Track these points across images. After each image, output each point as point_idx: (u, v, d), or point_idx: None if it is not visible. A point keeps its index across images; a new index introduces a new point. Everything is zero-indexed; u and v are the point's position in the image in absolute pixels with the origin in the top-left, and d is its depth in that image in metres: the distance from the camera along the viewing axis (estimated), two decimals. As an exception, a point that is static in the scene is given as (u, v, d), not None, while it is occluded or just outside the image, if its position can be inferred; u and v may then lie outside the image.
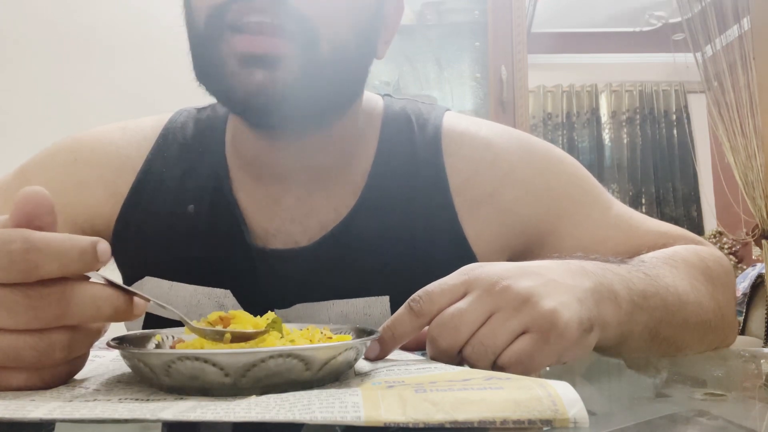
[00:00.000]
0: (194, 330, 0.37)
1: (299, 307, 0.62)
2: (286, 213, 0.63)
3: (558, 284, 0.43)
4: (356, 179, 0.64)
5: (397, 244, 0.62)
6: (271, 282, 0.62)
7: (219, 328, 0.38)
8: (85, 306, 0.33)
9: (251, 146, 0.63)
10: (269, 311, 0.42)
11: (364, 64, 0.60)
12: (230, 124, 0.67)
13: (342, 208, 0.63)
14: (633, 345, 0.51)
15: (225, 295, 0.63)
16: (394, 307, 0.50)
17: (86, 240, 0.33)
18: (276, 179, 0.63)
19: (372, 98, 0.69)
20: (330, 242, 0.62)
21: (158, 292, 0.63)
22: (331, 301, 0.62)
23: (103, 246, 0.33)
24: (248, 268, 0.62)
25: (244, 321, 0.39)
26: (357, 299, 0.62)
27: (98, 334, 0.36)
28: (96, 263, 0.33)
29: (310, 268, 0.62)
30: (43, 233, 0.32)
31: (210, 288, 0.63)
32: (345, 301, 0.62)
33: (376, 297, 0.61)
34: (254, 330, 0.37)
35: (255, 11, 0.51)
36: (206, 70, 0.55)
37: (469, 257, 0.62)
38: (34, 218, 0.33)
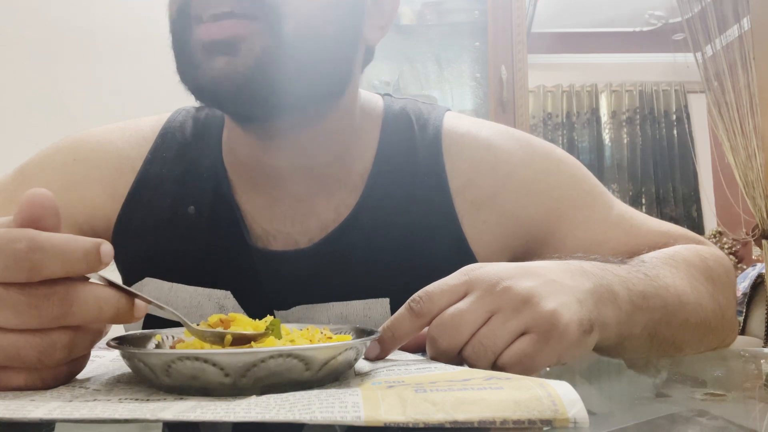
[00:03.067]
0: (194, 332, 0.37)
1: (299, 309, 0.62)
2: (285, 214, 0.63)
3: (558, 285, 0.43)
4: (356, 180, 0.64)
5: (397, 246, 0.62)
6: (271, 283, 0.62)
7: (219, 329, 0.38)
8: (87, 307, 0.33)
9: (245, 146, 0.63)
10: (269, 314, 0.42)
11: (346, 49, 0.58)
12: (226, 124, 0.66)
13: (342, 208, 0.63)
14: (632, 345, 0.51)
15: (225, 297, 0.63)
16: (394, 309, 0.50)
17: (90, 241, 0.33)
18: (272, 180, 0.63)
19: (372, 98, 0.68)
20: (330, 244, 0.62)
21: (158, 293, 0.63)
22: (330, 303, 0.62)
23: (107, 247, 0.34)
24: (248, 270, 0.62)
25: (244, 324, 0.39)
26: (357, 301, 0.61)
27: (99, 335, 0.36)
28: (99, 264, 0.33)
29: (310, 269, 0.62)
30: (48, 233, 0.32)
31: (210, 289, 0.63)
32: (345, 303, 0.61)
33: (376, 299, 0.61)
34: (254, 332, 0.37)
35: (215, 1, 0.51)
36: (179, 67, 0.55)
37: (470, 259, 0.62)
38: (39, 220, 0.33)
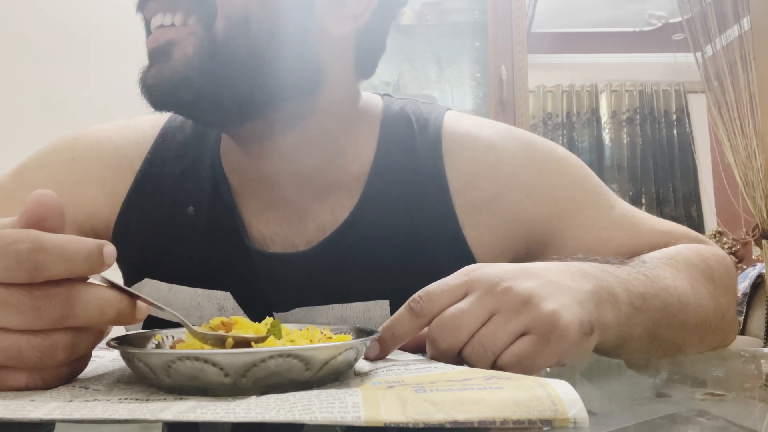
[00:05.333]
0: (196, 335, 0.37)
1: (299, 311, 0.62)
2: (281, 217, 0.62)
3: (558, 286, 0.43)
4: (352, 182, 0.63)
5: (397, 248, 0.61)
6: (270, 285, 0.62)
7: (221, 332, 0.38)
8: (89, 308, 0.33)
9: (234, 151, 0.63)
10: (268, 316, 0.42)
11: (295, 47, 0.55)
12: None
13: (339, 211, 0.62)
14: (632, 346, 0.51)
15: (225, 297, 0.62)
16: (394, 311, 0.50)
17: (92, 242, 0.33)
18: (263, 184, 0.62)
19: (371, 98, 0.68)
20: (329, 246, 0.61)
21: (157, 294, 0.63)
22: (330, 305, 0.61)
23: (109, 249, 0.34)
24: (248, 271, 0.62)
25: (246, 326, 0.39)
26: (356, 303, 0.61)
27: (101, 335, 0.36)
28: (101, 266, 0.33)
29: (309, 272, 0.61)
30: (51, 234, 0.32)
31: (210, 290, 0.63)
32: (344, 305, 0.61)
33: (376, 301, 0.61)
34: (255, 335, 0.37)
35: (152, 1, 0.54)
36: None
37: (470, 261, 0.62)
38: (43, 220, 0.33)
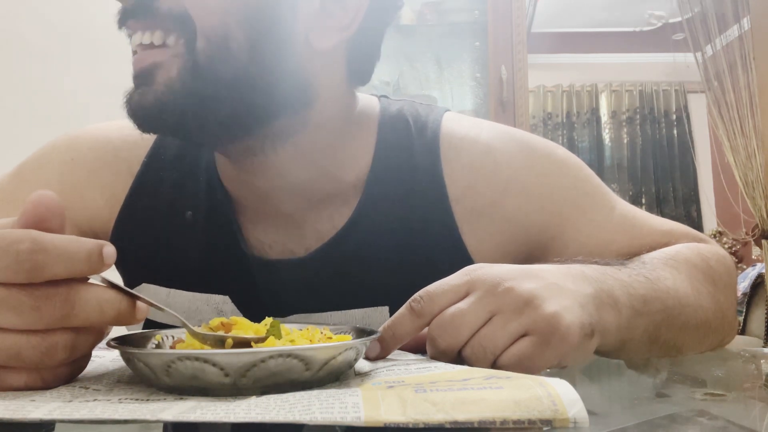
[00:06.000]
0: (195, 335, 0.37)
1: (297, 318, 0.61)
2: (279, 226, 0.62)
3: (560, 288, 0.43)
4: (351, 189, 0.62)
5: (396, 255, 0.61)
6: (268, 291, 0.61)
7: (221, 333, 0.38)
8: (89, 308, 0.33)
9: (228, 166, 0.62)
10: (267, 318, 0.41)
11: (278, 62, 0.53)
12: None
13: (338, 218, 0.61)
14: (633, 348, 0.51)
15: (224, 302, 0.62)
16: None
17: (93, 242, 0.33)
18: (260, 197, 0.62)
19: (368, 101, 0.66)
20: (327, 253, 0.60)
21: (156, 298, 0.62)
22: (329, 312, 0.61)
23: (109, 249, 0.34)
24: (246, 277, 0.61)
25: (246, 327, 0.39)
26: (356, 310, 0.60)
27: (101, 336, 0.36)
28: (102, 266, 0.33)
29: (307, 278, 0.61)
30: (51, 234, 0.32)
31: (208, 294, 0.62)
32: (343, 311, 0.61)
33: (375, 307, 0.60)
34: (255, 336, 0.37)
35: (131, 19, 0.52)
36: None
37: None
38: (43, 221, 0.33)
